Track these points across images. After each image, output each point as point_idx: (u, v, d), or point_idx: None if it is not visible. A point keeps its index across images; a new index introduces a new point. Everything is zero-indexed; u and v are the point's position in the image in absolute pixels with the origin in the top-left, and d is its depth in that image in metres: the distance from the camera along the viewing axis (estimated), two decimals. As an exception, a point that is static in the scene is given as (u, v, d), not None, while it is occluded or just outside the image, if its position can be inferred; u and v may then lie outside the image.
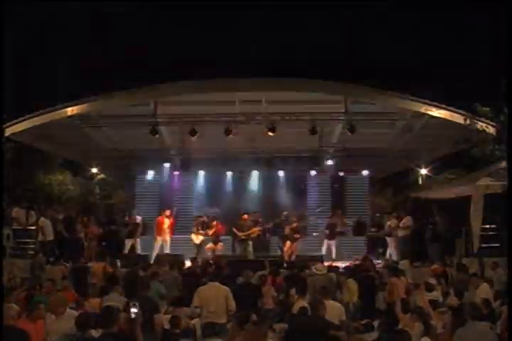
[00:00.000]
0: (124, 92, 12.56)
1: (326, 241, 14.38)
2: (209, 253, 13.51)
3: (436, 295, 8.27)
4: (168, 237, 14.19)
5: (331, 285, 8.65)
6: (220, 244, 13.83)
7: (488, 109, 11.18)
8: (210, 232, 13.88)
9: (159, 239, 14.10)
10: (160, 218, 14.41)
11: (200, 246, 13.89)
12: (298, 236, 13.77)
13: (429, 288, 8.32)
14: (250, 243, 13.83)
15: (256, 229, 14.03)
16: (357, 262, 11.26)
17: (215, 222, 14.07)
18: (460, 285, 8.84)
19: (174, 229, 14.66)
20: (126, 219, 14.68)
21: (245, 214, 14.26)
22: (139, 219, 14.79)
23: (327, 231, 14.54)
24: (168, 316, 6.79)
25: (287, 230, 13.90)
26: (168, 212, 14.49)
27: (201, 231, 13.95)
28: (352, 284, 8.71)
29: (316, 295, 7.03)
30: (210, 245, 13.75)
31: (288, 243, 13.73)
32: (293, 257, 13.36)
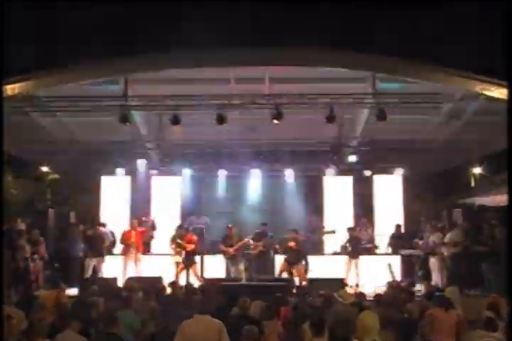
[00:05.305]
0: (84, 66, 12.42)
1: (348, 261, 14.34)
2: (191, 277, 13.52)
3: (499, 336, 8.07)
4: (139, 255, 14.18)
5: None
6: (195, 265, 13.79)
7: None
8: (186, 248, 13.75)
9: (127, 257, 14.06)
10: (126, 231, 14.35)
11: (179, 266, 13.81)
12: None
13: (490, 326, 8.13)
14: (242, 261, 13.92)
15: (245, 241, 14.13)
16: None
17: (192, 237, 13.88)
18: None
19: (148, 244, 14.61)
20: (88, 232, 14.56)
21: (231, 225, 14.40)
22: (104, 231, 14.67)
23: (349, 248, 14.54)
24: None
25: (285, 249, 13.87)
26: (136, 223, 14.51)
27: (181, 244, 13.73)
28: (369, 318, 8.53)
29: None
30: (181, 266, 13.69)
31: (289, 265, 13.71)
32: (303, 282, 13.28)
